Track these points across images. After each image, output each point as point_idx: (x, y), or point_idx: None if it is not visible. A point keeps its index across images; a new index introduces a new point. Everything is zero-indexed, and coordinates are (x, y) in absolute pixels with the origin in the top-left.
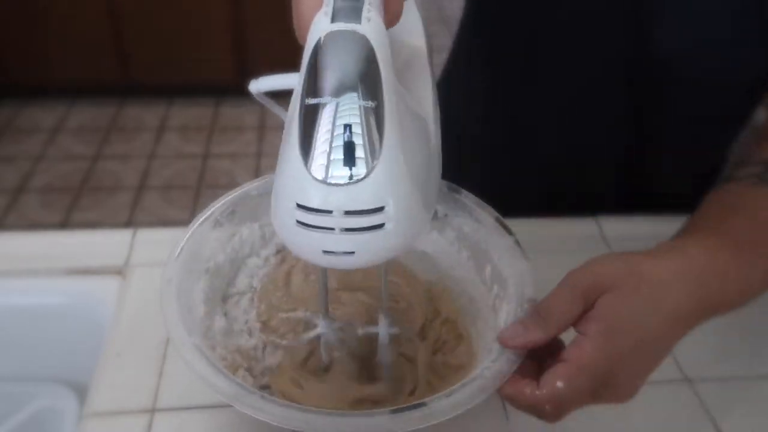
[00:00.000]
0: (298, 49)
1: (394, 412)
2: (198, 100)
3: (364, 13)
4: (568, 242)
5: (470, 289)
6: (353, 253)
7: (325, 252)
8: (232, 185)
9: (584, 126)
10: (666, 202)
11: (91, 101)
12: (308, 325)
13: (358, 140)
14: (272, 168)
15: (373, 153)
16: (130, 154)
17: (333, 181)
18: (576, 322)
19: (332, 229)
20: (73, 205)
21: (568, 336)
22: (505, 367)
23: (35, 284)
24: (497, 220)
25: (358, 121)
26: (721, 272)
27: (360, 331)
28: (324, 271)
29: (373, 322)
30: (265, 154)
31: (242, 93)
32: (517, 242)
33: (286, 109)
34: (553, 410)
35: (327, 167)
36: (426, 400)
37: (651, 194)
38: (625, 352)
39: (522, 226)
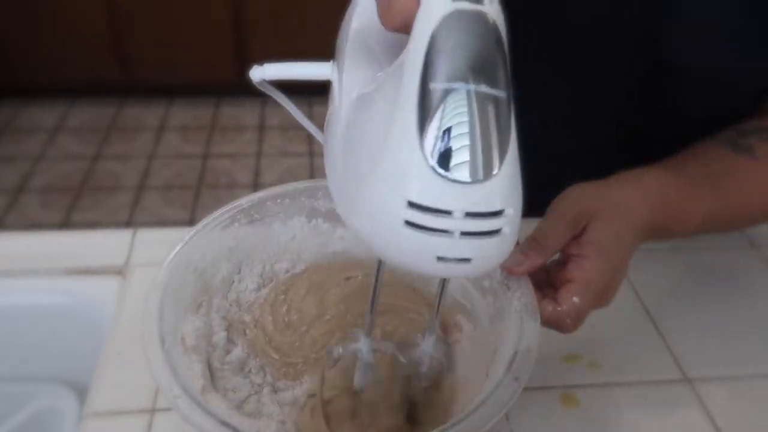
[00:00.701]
0: (299, 49)
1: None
2: (198, 100)
3: None
4: None
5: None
6: (470, 260)
7: (439, 259)
8: (232, 185)
9: (589, 131)
10: None
11: (91, 101)
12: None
13: (489, 135)
14: (273, 168)
15: (502, 149)
16: (130, 154)
17: (459, 179)
18: (566, 246)
19: (451, 232)
20: (73, 205)
21: None
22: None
23: (35, 284)
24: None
25: (491, 112)
26: (666, 205)
27: (401, 357)
28: (379, 280)
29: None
30: (265, 154)
31: (242, 93)
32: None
33: (292, 101)
34: (572, 322)
35: (454, 162)
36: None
37: None
38: (614, 266)
39: (522, 226)
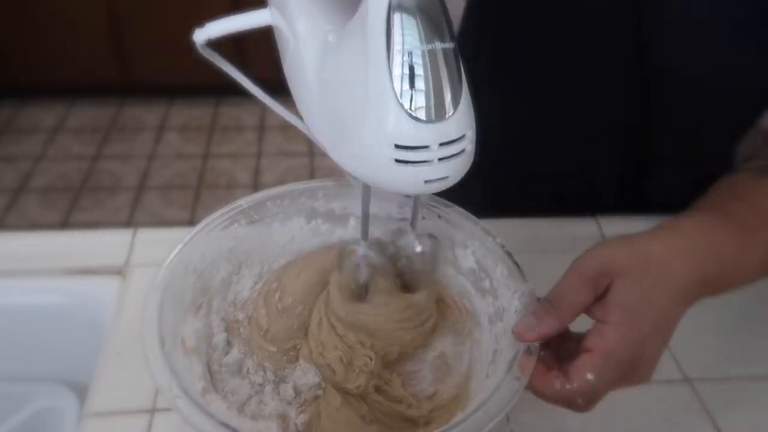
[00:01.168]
0: None
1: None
2: (198, 100)
3: None
4: (568, 242)
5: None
6: (447, 177)
7: (426, 182)
8: (232, 185)
9: (587, 131)
10: (667, 208)
11: (91, 101)
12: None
13: (448, 81)
14: (273, 168)
15: (457, 90)
16: (130, 154)
17: (431, 120)
18: (589, 309)
19: (431, 161)
20: (73, 205)
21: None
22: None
23: (35, 284)
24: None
25: (446, 63)
26: (718, 251)
27: (391, 247)
28: (367, 196)
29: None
30: (265, 154)
31: (242, 93)
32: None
33: (241, 73)
34: (585, 402)
35: (426, 109)
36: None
37: (652, 201)
38: (645, 335)
39: (522, 226)
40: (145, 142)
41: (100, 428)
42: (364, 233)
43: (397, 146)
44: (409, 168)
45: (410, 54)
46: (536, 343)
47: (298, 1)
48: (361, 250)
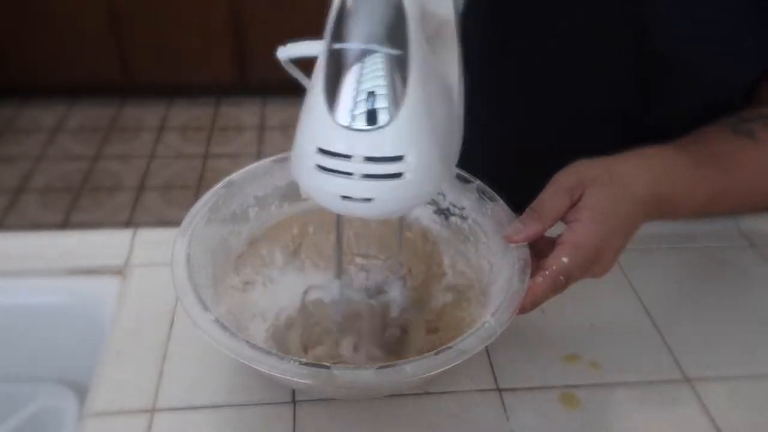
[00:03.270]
0: None
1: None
2: (198, 100)
3: None
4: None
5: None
6: (371, 200)
7: (344, 197)
8: None
9: (583, 121)
10: None
11: (91, 101)
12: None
13: (381, 88)
14: None
15: (396, 102)
16: (130, 154)
17: (355, 127)
18: (565, 215)
19: (351, 174)
20: (73, 205)
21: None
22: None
23: (35, 284)
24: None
25: (383, 69)
26: (673, 175)
27: (373, 300)
28: (340, 227)
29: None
30: (265, 154)
31: (242, 93)
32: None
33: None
34: (565, 279)
35: (350, 113)
36: (452, 344)
37: None
38: (608, 232)
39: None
40: (145, 142)
41: (100, 428)
42: (338, 269)
43: (319, 150)
44: (328, 177)
45: (344, 52)
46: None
47: None
48: (334, 292)
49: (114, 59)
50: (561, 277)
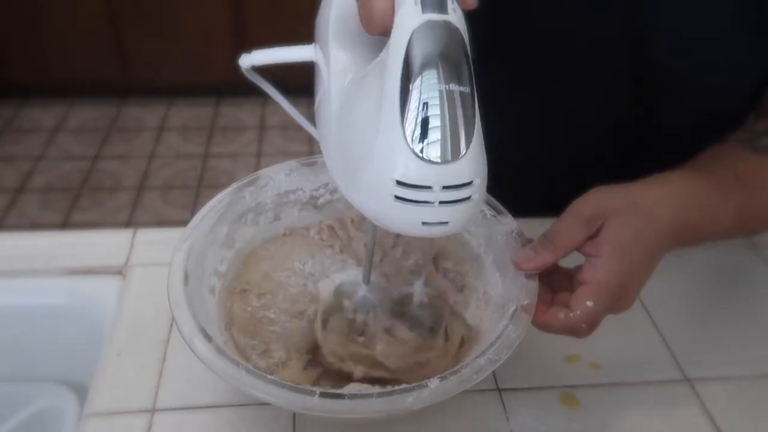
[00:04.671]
0: None
1: (443, 378)
2: (198, 100)
3: (449, 4)
4: None
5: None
6: (447, 223)
7: (424, 224)
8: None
9: (578, 128)
10: None
11: (91, 101)
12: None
13: (460, 124)
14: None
15: (468, 134)
16: (130, 154)
17: (438, 161)
18: (582, 247)
19: (432, 203)
20: (73, 205)
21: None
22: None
23: (35, 284)
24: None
25: (459, 105)
26: (698, 201)
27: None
28: (374, 236)
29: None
30: (265, 154)
31: (242, 93)
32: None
33: (279, 92)
34: (588, 327)
35: (426, 146)
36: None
37: None
38: (632, 267)
39: (522, 225)
40: (145, 142)
41: (100, 428)
42: (367, 276)
43: (398, 182)
44: (409, 207)
45: (423, 92)
46: (534, 284)
47: (336, 41)
48: (361, 291)
49: (114, 59)
50: (583, 325)
